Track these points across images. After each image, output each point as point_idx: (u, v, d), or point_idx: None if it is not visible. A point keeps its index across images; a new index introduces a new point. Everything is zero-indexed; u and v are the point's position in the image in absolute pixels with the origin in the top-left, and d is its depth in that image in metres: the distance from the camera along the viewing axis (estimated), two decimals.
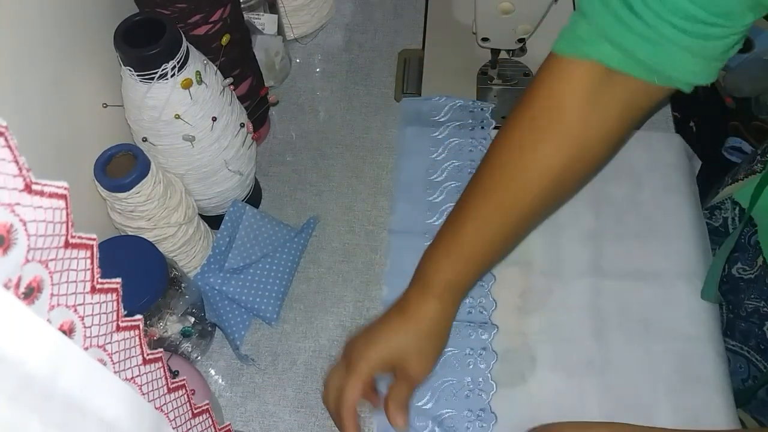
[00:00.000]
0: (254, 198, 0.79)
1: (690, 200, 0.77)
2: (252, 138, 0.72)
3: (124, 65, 0.60)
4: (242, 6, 0.76)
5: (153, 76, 0.59)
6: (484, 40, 0.82)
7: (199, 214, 0.73)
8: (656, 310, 0.71)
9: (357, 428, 0.59)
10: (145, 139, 0.64)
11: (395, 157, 0.83)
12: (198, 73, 0.61)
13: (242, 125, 0.69)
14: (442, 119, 0.85)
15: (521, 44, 0.81)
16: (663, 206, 0.77)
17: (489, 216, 0.59)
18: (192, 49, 0.62)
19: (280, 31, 0.87)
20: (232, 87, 0.68)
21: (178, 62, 0.59)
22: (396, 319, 0.60)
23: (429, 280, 0.60)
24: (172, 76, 0.59)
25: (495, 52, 0.86)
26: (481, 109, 0.85)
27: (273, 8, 0.85)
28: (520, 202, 0.58)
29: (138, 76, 0.59)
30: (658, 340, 0.69)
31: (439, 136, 0.83)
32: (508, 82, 0.88)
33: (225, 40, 0.67)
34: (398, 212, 0.79)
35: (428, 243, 0.62)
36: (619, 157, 0.78)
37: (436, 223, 0.77)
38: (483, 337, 0.70)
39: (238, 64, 0.73)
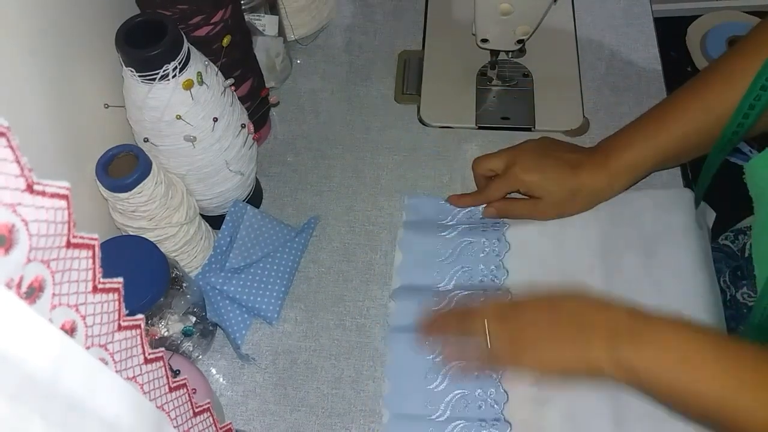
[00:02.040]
0: (255, 198, 0.79)
1: (703, 266, 0.72)
2: (253, 139, 0.73)
3: (125, 66, 0.60)
4: (243, 7, 0.76)
5: (154, 76, 0.59)
6: (484, 41, 0.82)
7: (201, 214, 0.73)
8: None
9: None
10: (146, 140, 0.65)
11: (395, 253, 0.76)
12: (199, 73, 0.62)
13: (243, 126, 0.70)
14: (450, 223, 0.78)
15: (520, 45, 0.82)
16: (676, 273, 0.71)
17: (693, 111, 0.67)
18: (193, 50, 0.62)
19: (281, 32, 0.87)
20: (233, 88, 0.68)
21: (179, 63, 0.59)
22: (565, 166, 0.71)
23: (614, 154, 0.70)
24: (173, 76, 0.60)
25: (494, 53, 0.86)
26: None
27: (274, 9, 0.86)
28: (727, 103, 0.64)
29: (139, 76, 0.59)
30: (681, 420, 0.62)
31: (448, 236, 0.77)
32: (507, 83, 0.89)
33: (226, 41, 0.67)
34: (399, 309, 0.73)
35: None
36: (628, 221, 0.75)
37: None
38: None
39: (239, 65, 0.74)
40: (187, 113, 0.62)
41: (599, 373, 0.55)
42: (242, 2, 0.75)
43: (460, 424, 0.65)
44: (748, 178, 0.67)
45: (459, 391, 0.67)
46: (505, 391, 0.67)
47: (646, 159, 0.70)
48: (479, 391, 0.67)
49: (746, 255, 0.79)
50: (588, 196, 0.72)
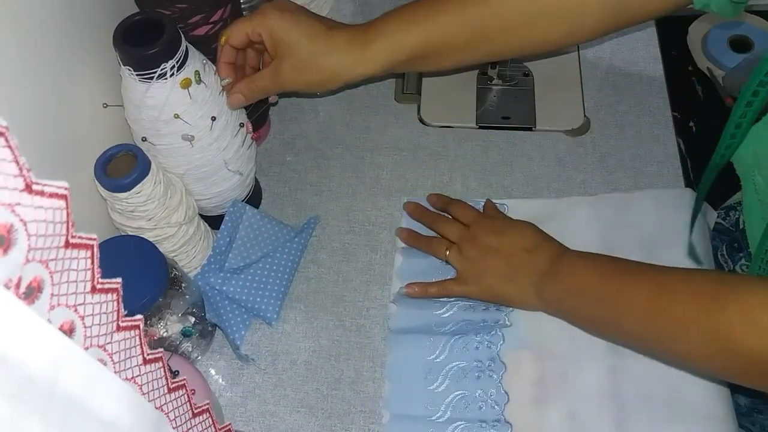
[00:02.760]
0: (254, 198, 0.79)
1: (706, 266, 0.72)
2: (251, 138, 0.72)
3: (123, 65, 0.60)
4: (242, 6, 0.76)
5: (152, 75, 0.59)
6: None
7: (200, 214, 0.73)
8: (678, 389, 0.65)
9: (228, 64, 0.67)
10: (144, 139, 0.65)
11: (395, 255, 0.76)
12: (197, 72, 0.62)
13: (241, 125, 0.69)
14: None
15: None
16: None
17: (465, 15, 0.64)
18: (191, 48, 0.62)
19: None
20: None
21: (177, 62, 0.59)
22: (321, 25, 0.65)
23: (374, 32, 0.66)
24: (171, 75, 0.59)
25: None
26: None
27: None
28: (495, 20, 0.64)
29: (137, 75, 0.59)
30: (681, 421, 0.64)
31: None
32: (507, 82, 0.88)
33: (223, 39, 0.67)
34: (400, 312, 0.73)
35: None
36: (629, 221, 0.75)
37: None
38: None
39: None
40: (185, 112, 0.62)
41: (533, 306, 0.68)
42: (242, 1, 0.75)
43: (460, 425, 0.65)
44: (734, 156, 0.68)
45: (459, 392, 0.67)
46: (505, 392, 0.66)
47: (404, 47, 0.65)
48: (480, 391, 0.67)
49: (741, 227, 0.79)
50: (334, 64, 0.66)
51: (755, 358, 0.51)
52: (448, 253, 0.72)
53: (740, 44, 1.68)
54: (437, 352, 0.69)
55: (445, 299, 0.73)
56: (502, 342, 0.69)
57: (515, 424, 0.65)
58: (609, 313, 0.62)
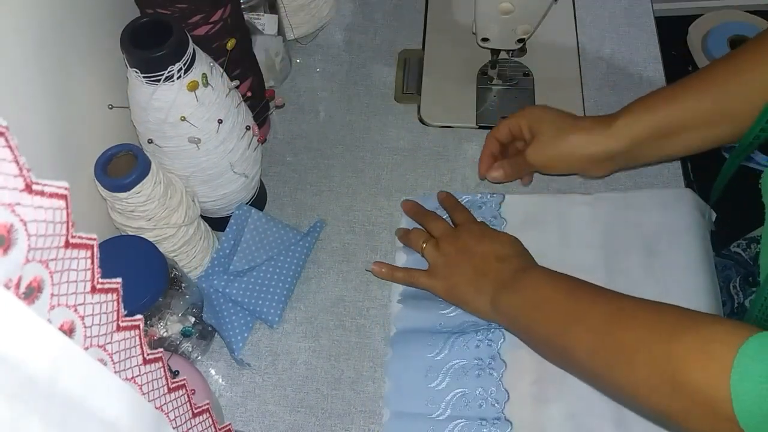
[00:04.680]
0: (259, 200, 0.79)
1: (705, 266, 0.72)
2: (258, 141, 0.72)
3: (130, 67, 0.60)
4: (242, 6, 0.76)
5: (159, 78, 0.59)
6: (484, 40, 0.82)
7: (204, 216, 0.73)
8: None
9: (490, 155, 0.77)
10: (150, 141, 0.65)
11: (396, 253, 0.76)
12: (204, 75, 0.61)
13: (248, 128, 0.69)
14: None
15: (521, 44, 0.81)
16: (677, 273, 0.71)
17: (697, 93, 0.67)
18: (198, 51, 0.62)
19: (281, 31, 0.87)
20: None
21: (184, 64, 0.59)
22: (569, 116, 0.73)
23: (614, 117, 0.70)
24: (178, 78, 0.59)
25: (495, 52, 0.86)
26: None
27: (273, 8, 0.85)
28: (730, 96, 0.65)
29: (144, 77, 0.59)
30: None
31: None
32: (508, 82, 0.88)
33: (231, 44, 0.67)
34: (404, 312, 0.73)
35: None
36: (630, 220, 0.75)
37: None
38: None
39: (239, 64, 0.73)
40: (191, 115, 0.62)
41: (485, 315, 0.68)
42: (242, 1, 0.75)
43: (460, 422, 0.65)
44: (764, 185, 0.68)
45: (460, 390, 0.67)
46: (505, 390, 0.67)
47: (644, 125, 0.69)
48: (480, 389, 0.67)
49: (758, 263, 0.79)
50: (577, 140, 0.72)
51: (700, 396, 0.48)
52: (424, 245, 0.72)
53: (740, 44, 1.68)
54: (437, 350, 0.69)
55: None
56: (502, 340, 0.69)
57: (515, 422, 0.65)
58: (560, 332, 0.60)
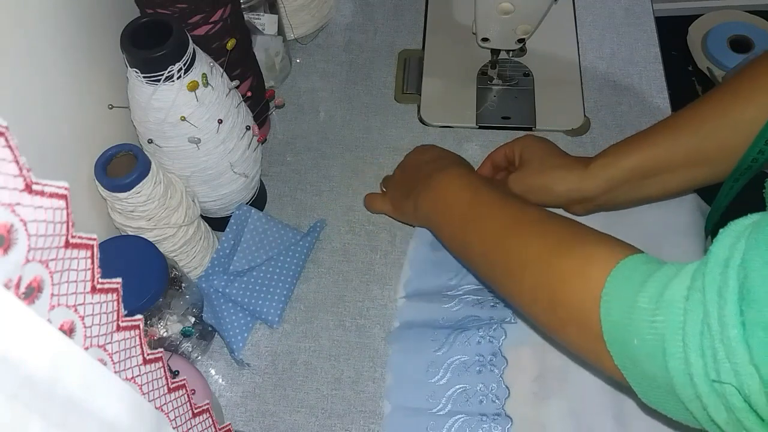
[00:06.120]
0: (259, 200, 0.79)
1: None
2: (258, 141, 0.72)
3: (130, 67, 0.60)
4: (242, 6, 0.76)
5: (159, 78, 0.59)
6: (484, 40, 0.82)
7: (204, 216, 0.73)
8: None
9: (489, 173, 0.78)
10: (150, 141, 0.65)
11: (410, 240, 0.76)
12: (204, 75, 0.61)
13: (248, 128, 0.69)
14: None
15: (521, 44, 0.81)
16: None
17: (682, 129, 0.66)
18: (199, 51, 0.62)
19: (281, 31, 0.87)
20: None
21: (184, 64, 0.59)
22: (558, 152, 0.73)
23: (595, 158, 0.70)
24: (178, 78, 0.59)
25: (495, 52, 0.86)
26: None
27: (273, 8, 0.85)
28: (720, 131, 0.64)
29: (144, 77, 0.59)
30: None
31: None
32: (508, 82, 0.88)
33: (230, 44, 0.67)
34: (408, 305, 0.73)
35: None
36: (632, 220, 0.75)
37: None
38: (496, 431, 0.65)
39: (239, 64, 0.73)
40: (191, 115, 0.62)
41: (410, 216, 0.73)
42: (242, 1, 0.75)
43: (461, 417, 0.65)
44: (767, 193, 0.68)
45: (460, 386, 0.67)
46: (506, 387, 0.67)
47: (619, 168, 0.68)
48: (481, 385, 0.67)
49: None
50: (558, 176, 0.72)
51: (575, 315, 0.50)
52: (382, 182, 0.80)
53: (740, 44, 1.68)
54: (439, 346, 0.69)
55: (452, 293, 0.73)
56: (504, 337, 0.69)
57: (515, 418, 0.65)
58: (463, 235, 0.63)
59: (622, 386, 0.65)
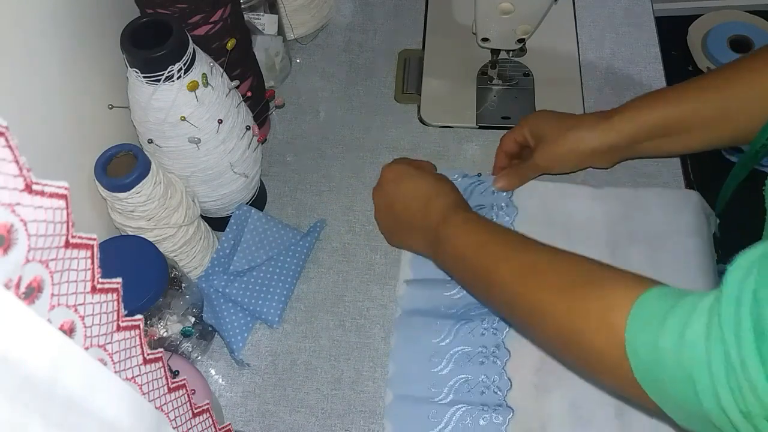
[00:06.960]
0: (259, 200, 0.79)
1: (707, 269, 0.72)
2: (258, 141, 0.72)
3: (130, 67, 0.60)
4: (242, 6, 0.76)
5: (159, 78, 0.59)
6: (484, 40, 0.82)
7: (204, 216, 0.73)
8: None
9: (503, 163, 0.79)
10: (150, 141, 0.65)
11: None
12: (204, 75, 0.61)
13: (248, 128, 0.69)
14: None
15: (521, 44, 0.81)
16: (679, 273, 0.71)
17: (699, 92, 0.68)
18: (198, 51, 0.62)
19: (281, 31, 0.87)
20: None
21: (184, 64, 0.59)
22: (569, 115, 0.75)
23: (614, 111, 0.71)
24: (178, 78, 0.59)
25: (495, 52, 0.86)
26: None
27: (273, 8, 0.85)
28: (736, 100, 0.66)
29: (144, 77, 0.59)
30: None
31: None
32: (508, 82, 0.88)
33: (230, 44, 0.67)
34: (411, 293, 0.74)
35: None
36: (635, 218, 0.75)
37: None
38: (497, 421, 0.65)
39: (239, 64, 0.73)
40: (191, 115, 0.62)
41: (432, 258, 0.70)
42: (242, 1, 0.75)
43: (462, 407, 0.66)
44: (767, 192, 0.68)
45: (463, 376, 0.68)
46: (508, 379, 0.67)
47: (642, 122, 0.70)
48: (483, 377, 0.68)
49: None
50: (581, 134, 0.73)
51: (604, 360, 0.50)
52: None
53: (740, 44, 1.67)
54: (443, 336, 0.69)
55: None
56: (507, 329, 0.69)
57: (517, 409, 0.66)
58: (481, 284, 0.63)
59: None
